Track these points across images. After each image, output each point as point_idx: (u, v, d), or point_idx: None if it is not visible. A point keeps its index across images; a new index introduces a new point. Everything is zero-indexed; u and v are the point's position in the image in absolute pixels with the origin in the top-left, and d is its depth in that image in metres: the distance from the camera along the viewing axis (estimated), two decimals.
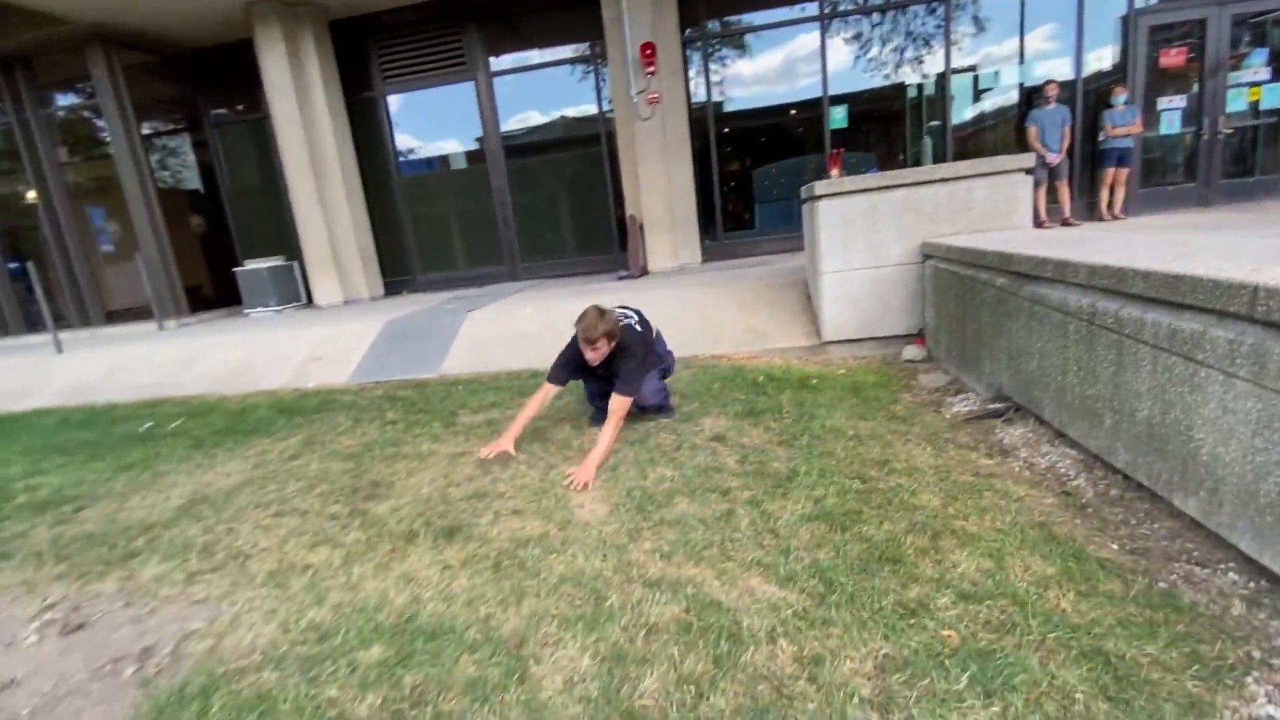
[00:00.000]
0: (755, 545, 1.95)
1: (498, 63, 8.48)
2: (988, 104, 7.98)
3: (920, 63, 7.84)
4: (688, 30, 7.79)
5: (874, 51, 7.90)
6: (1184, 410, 1.78)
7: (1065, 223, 6.99)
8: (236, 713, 1.40)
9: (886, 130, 8.45)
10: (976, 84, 7.85)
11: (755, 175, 8.40)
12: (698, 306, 5.38)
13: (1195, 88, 7.18)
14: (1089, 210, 7.51)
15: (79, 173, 9.15)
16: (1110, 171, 7.07)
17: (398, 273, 9.24)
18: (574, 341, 3.08)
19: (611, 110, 7.89)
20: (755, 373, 4.13)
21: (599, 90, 8.17)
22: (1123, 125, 6.87)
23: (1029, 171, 4.20)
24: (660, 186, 7.34)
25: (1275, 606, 1.47)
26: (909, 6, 7.63)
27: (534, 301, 6.31)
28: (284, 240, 9.05)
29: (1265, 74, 6.95)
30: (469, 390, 4.39)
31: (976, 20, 7.62)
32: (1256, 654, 1.35)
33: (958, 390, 3.52)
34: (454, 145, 9.23)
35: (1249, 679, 1.28)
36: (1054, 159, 6.86)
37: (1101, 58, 7.48)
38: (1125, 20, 7.18)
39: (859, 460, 2.56)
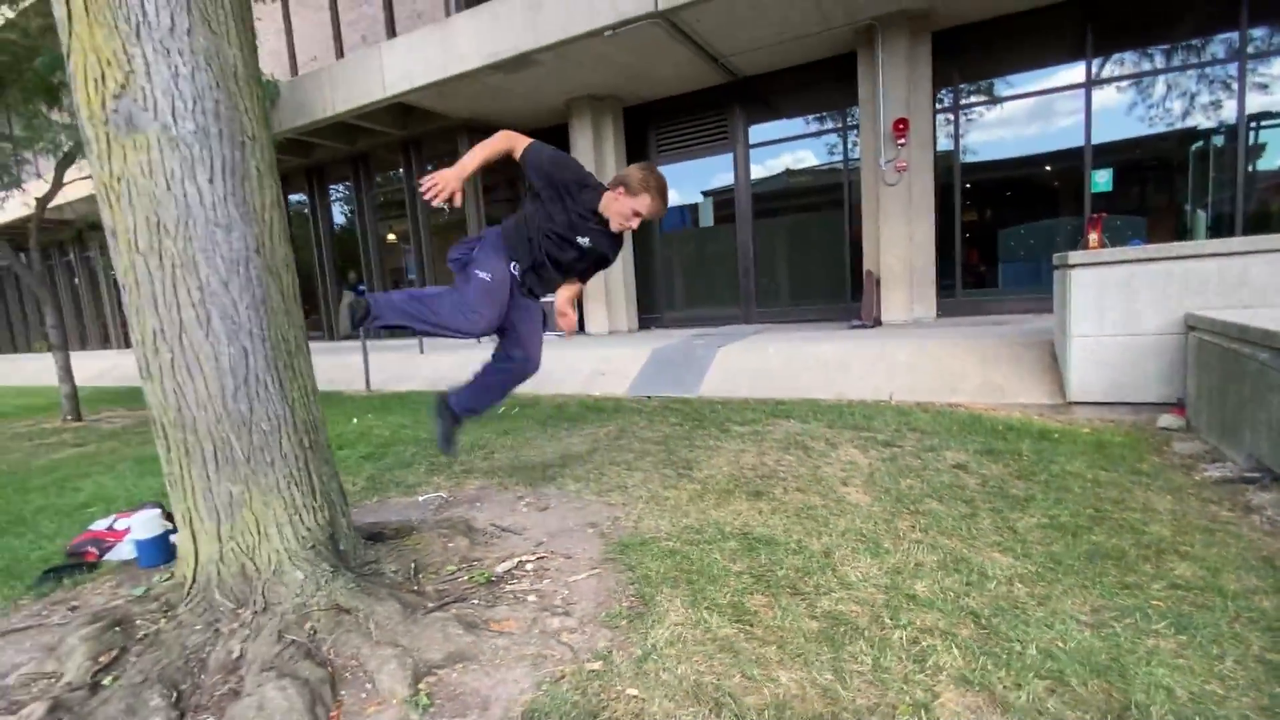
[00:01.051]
0: (996, 535, 2.60)
1: (756, 135, 9.79)
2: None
3: (1206, 112, 7.38)
4: (941, 98, 8.32)
5: (1146, 106, 7.63)
6: None
7: None
8: (664, 553, 2.49)
9: (1160, 190, 7.98)
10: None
11: (1000, 235, 8.49)
12: (934, 356, 5.86)
13: None
14: None
15: (437, 220, 12.47)
16: None
17: (649, 310, 10.91)
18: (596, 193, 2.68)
19: (856, 172, 8.66)
20: (994, 421, 4.56)
21: (845, 153, 9.01)
22: None
23: None
24: (900, 244, 7.89)
25: None
26: (1189, 69, 7.30)
27: (774, 342, 7.27)
28: None
29: None
30: (729, 409, 5.44)
31: (1265, 85, 7.01)
32: None
33: (1214, 459, 3.64)
34: (705, 205, 10.74)
35: None
36: None
37: None
38: None
39: (1096, 497, 3.00)
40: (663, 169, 10.58)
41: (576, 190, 2.58)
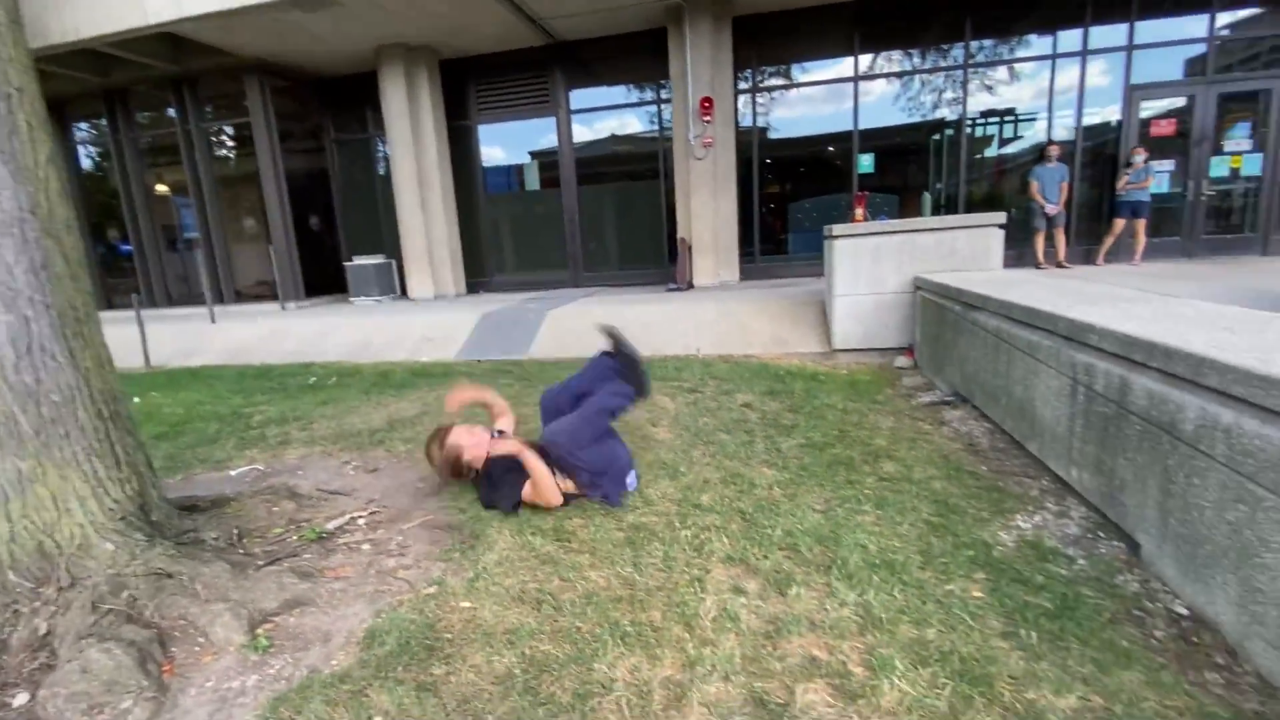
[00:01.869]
0: (766, 455, 3.24)
1: (577, 100, 9.96)
2: (1002, 152, 9.15)
3: (940, 115, 9.05)
4: (742, 79, 9.16)
5: (899, 105, 9.14)
6: (1030, 390, 3.02)
7: (1060, 265, 8.08)
8: None
9: (910, 173, 9.65)
10: (995, 135, 9.04)
11: (790, 208, 9.69)
12: (734, 315, 6.68)
13: (1183, 154, 8.22)
14: (1085, 256, 8.58)
15: (224, 170, 10.97)
16: (1122, 222, 8.05)
17: (477, 275, 10.76)
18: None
19: (671, 143, 9.28)
20: (778, 368, 5.40)
21: (661, 126, 9.57)
22: (1138, 181, 7.86)
23: (1002, 226, 5.39)
24: (708, 215, 8.68)
25: (1053, 490, 2.69)
26: (930, 72, 8.87)
27: (602, 304, 7.69)
28: (382, 241, 10.71)
29: (1246, 145, 7.96)
30: (559, 368, 5.75)
31: (989, 88, 8.82)
32: (1030, 507, 2.58)
33: (929, 388, 4.74)
34: (531, 168, 10.76)
35: (1017, 515, 2.52)
36: (1052, 210, 7.97)
37: (1100, 123, 8.57)
38: (1125, 92, 8.28)
39: (842, 422, 3.81)
40: (485, 128, 10.42)
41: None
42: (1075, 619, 1.80)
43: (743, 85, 9.22)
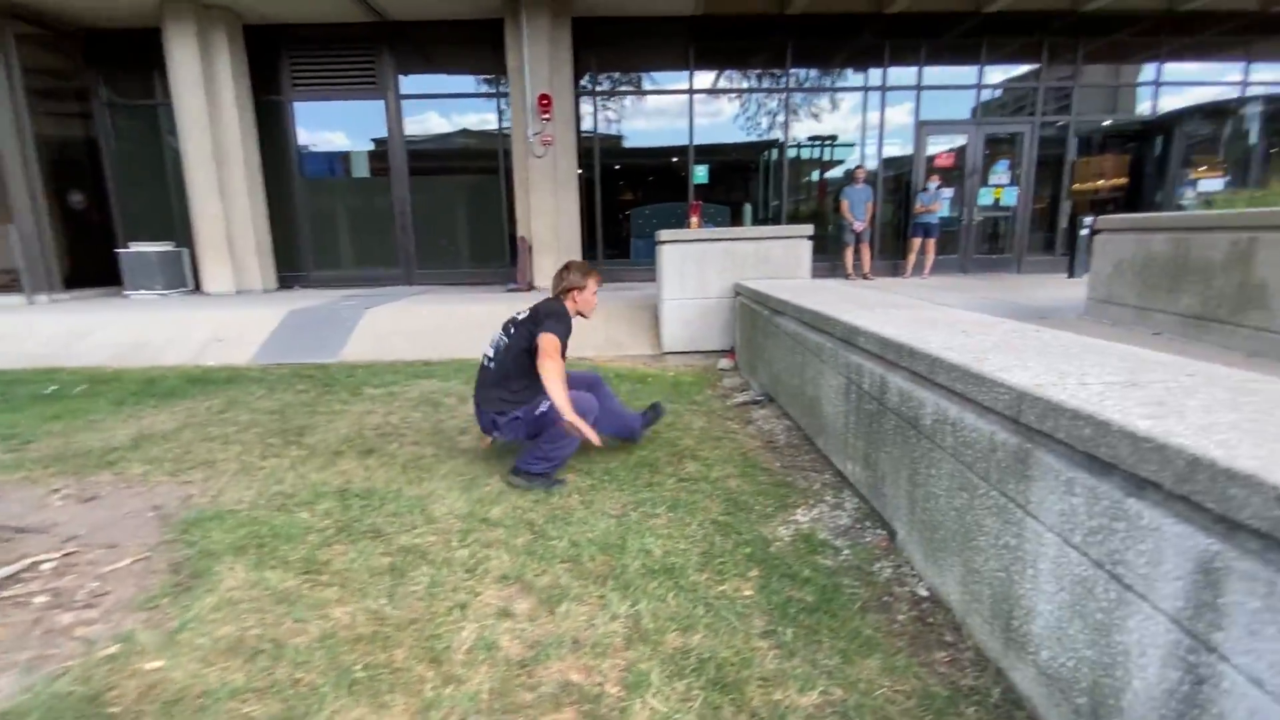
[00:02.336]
0: (574, 460, 3.12)
1: (408, 86, 9.31)
2: (820, 173, 9.98)
3: (766, 135, 9.68)
4: (584, 83, 9.13)
5: (731, 122, 9.64)
6: (818, 388, 3.19)
7: (865, 277, 8.96)
8: (240, 523, 2.34)
9: (741, 187, 10.21)
10: (815, 157, 9.83)
11: (632, 214, 9.81)
12: None
13: (961, 184, 9.53)
14: (892, 269, 9.60)
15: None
16: (918, 241, 9.10)
17: (292, 268, 9.64)
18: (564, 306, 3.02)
19: (511, 139, 8.99)
20: (609, 370, 5.35)
21: (501, 121, 9.23)
22: (927, 205, 8.91)
23: (810, 238, 5.80)
24: (548, 213, 8.50)
25: (834, 483, 2.84)
26: (757, 93, 9.46)
27: (431, 304, 7.20)
28: (171, 226, 9.21)
29: (1006, 179, 9.39)
30: (370, 372, 5.25)
31: (807, 114, 9.60)
32: (811, 501, 2.69)
33: (745, 388, 4.94)
34: (359, 154, 9.88)
35: (799, 509, 2.62)
36: (860, 226, 8.81)
37: (900, 154, 9.68)
38: (916, 127, 9.40)
39: (661, 425, 3.81)
40: (302, 106, 9.37)
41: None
42: (831, 610, 1.85)
43: (584, 87, 9.18)
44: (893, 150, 9.63)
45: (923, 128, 9.34)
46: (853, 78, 9.52)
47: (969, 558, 1.78)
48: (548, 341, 2.74)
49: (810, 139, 9.78)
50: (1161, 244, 4.47)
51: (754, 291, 4.80)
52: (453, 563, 2.06)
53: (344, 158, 9.97)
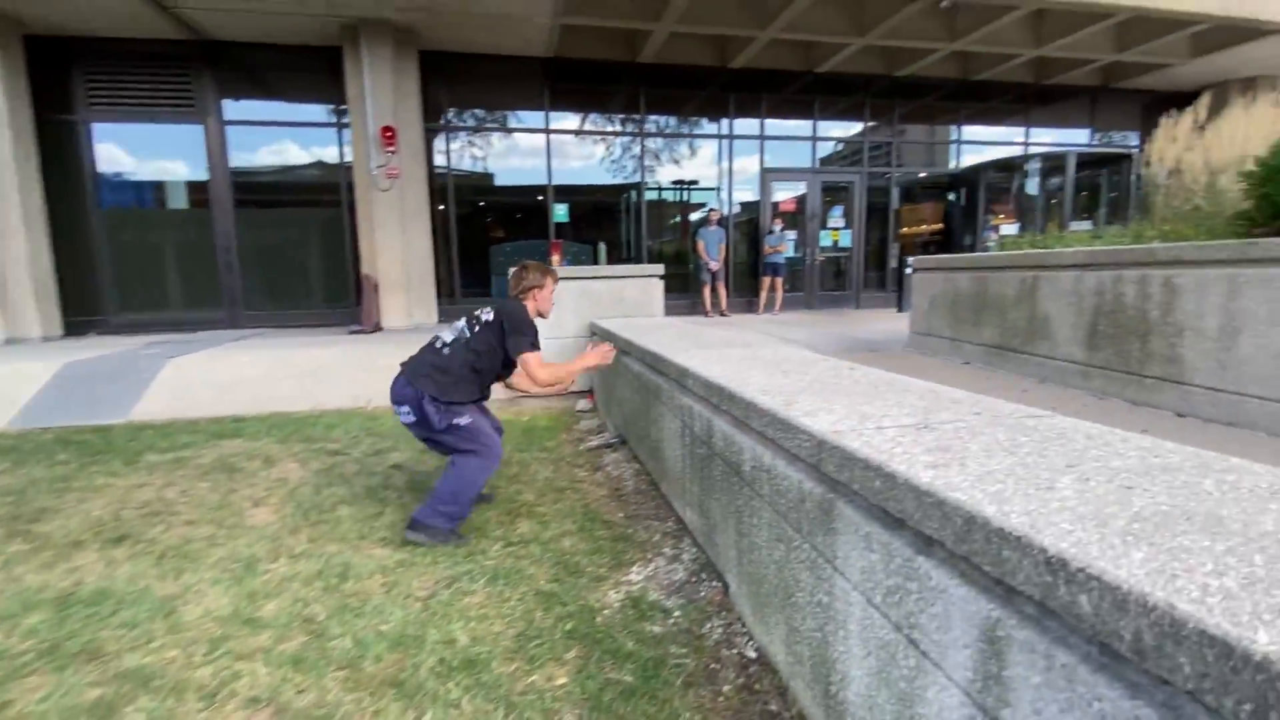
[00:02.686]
0: (389, 529, 2.72)
1: (234, 110, 8.44)
2: (679, 215, 10.29)
3: (625, 177, 9.86)
4: (436, 116, 8.78)
5: (589, 162, 9.72)
6: (660, 431, 3.06)
7: (722, 314, 9.27)
8: None
9: (603, 226, 10.27)
10: (673, 199, 10.12)
11: (492, 250, 9.49)
12: None
13: (804, 227, 10.24)
14: (748, 306, 10.00)
15: None
16: (768, 279, 9.58)
17: (86, 312, 8.23)
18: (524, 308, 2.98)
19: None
20: None
21: (343, 153, 8.60)
22: (775, 246, 9.43)
23: (662, 277, 5.84)
24: (396, 250, 7.97)
25: (674, 532, 2.69)
26: (615, 136, 9.64)
27: (256, 349, 6.38)
28: None
29: (842, 223, 10.23)
30: (161, 433, 4.45)
31: (665, 157, 9.93)
32: (649, 554, 2.52)
33: (601, 430, 4.76)
34: (175, 184, 8.76)
35: (635, 566, 2.43)
36: (714, 266, 9.13)
37: (750, 198, 10.24)
38: (761, 174, 10.02)
39: (498, 475, 3.50)
40: (101, 127, 8.16)
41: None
42: (651, 691, 1.65)
43: (437, 121, 8.83)
44: (743, 195, 10.18)
45: (767, 175, 9.96)
46: (705, 126, 9.99)
47: (790, 615, 1.66)
48: (532, 360, 2.81)
49: (671, 182, 10.09)
50: (966, 282, 4.95)
51: (605, 331, 4.68)
52: (187, 687, 1.62)
53: (157, 187, 8.79)
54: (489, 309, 2.94)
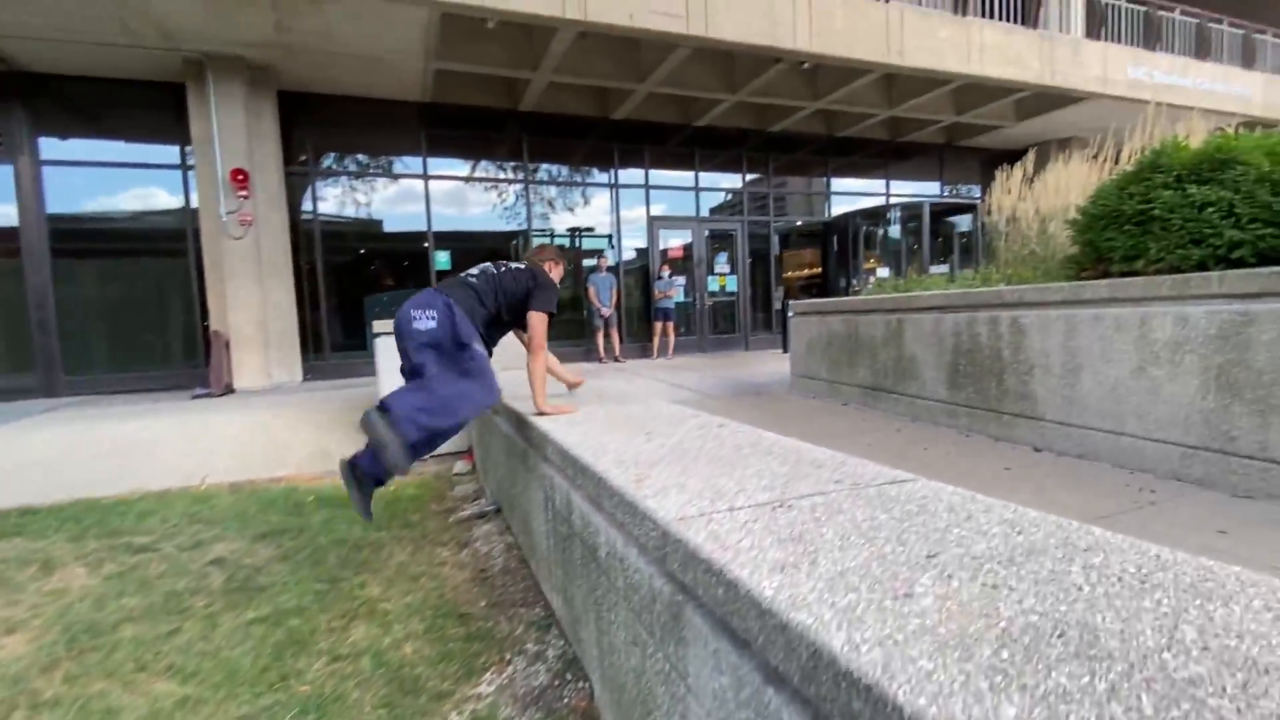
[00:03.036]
0: (182, 653, 2.20)
1: (53, 151, 7.42)
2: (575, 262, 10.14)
3: (511, 223, 9.64)
4: (299, 160, 8.18)
5: (473, 208, 9.43)
6: (528, 501, 2.74)
7: (616, 359, 9.12)
8: None
9: None
10: (565, 245, 9.96)
11: (367, 301, 8.85)
12: (268, 427, 5.38)
13: (691, 273, 10.43)
14: (643, 351, 9.93)
15: None
16: (659, 325, 9.60)
17: None
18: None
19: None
20: (307, 492, 4.36)
21: (188, 197, 7.76)
22: (664, 291, 9.51)
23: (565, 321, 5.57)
24: (252, 304, 7.20)
25: (541, 620, 2.36)
26: (498, 182, 9.46)
27: (61, 424, 5.42)
28: None
29: (727, 268, 10.52)
30: None
31: (556, 205, 9.84)
32: (509, 654, 2.17)
33: (479, 496, 4.34)
34: None
35: (489, 672, 2.07)
36: (606, 312, 9.02)
37: (639, 244, 10.32)
38: (648, 222, 10.15)
39: (344, 564, 3.01)
40: None
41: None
42: None
43: (300, 165, 8.22)
44: (632, 241, 10.24)
45: (654, 223, 10.11)
46: (592, 174, 10.03)
47: None
48: (540, 325, 2.71)
49: (564, 230, 9.96)
50: (838, 325, 5.08)
51: None
52: None
53: None
54: (509, 262, 2.90)
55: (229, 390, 7.11)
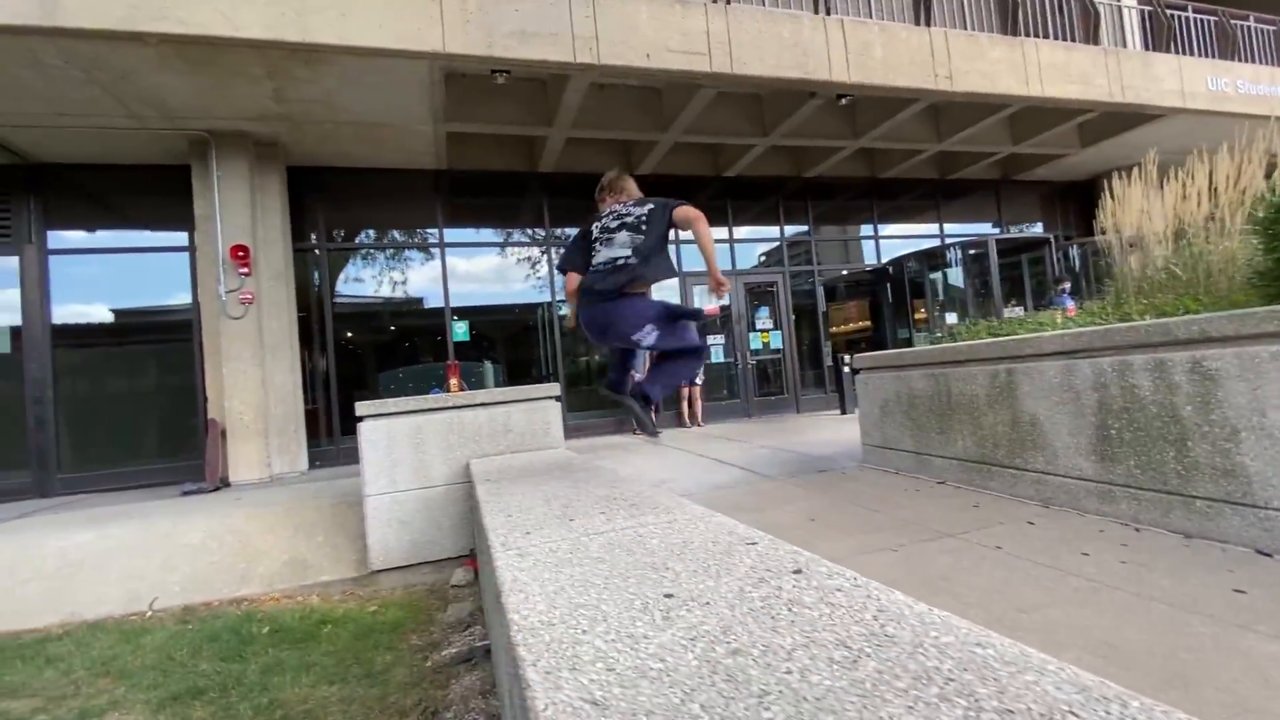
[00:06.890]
0: None
1: (59, 240, 7.22)
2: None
3: (536, 291, 9.03)
4: (308, 236, 7.82)
5: (494, 278, 8.88)
6: (500, 671, 1.79)
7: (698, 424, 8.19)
8: None
9: (515, 344, 9.26)
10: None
11: (383, 377, 8.24)
12: (239, 532, 4.57)
13: (731, 331, 9.55)
14: (678, 419, 8.97)
15: None
16: (685, 389, 8.68)
17: None
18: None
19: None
20: (265, 621, 3.50)
21: (194, 282, 7.39)
22: None
23: (558, 398, 4.74)
24: (251, 388, 6.61)
25: None
26: (519, 248, 8.93)
27: (22, 532, 4.75)
28: None
29: (769, 324, 9.60)
30: None
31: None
32: None
33: (470, 624, 3.39)
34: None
35: None
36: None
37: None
38: (681, 280, 9.40)
39: None
40: None
41: None
42: None
43: (307, 241, 7.85)
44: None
45: (687, 278, 9.35)
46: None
47: None
48: (691, 209, 2.75)
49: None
50: (921, 380, 4.06)
51: (471, 481, 3.46)
52: None
53: None
54: (625, 212, 2.87)
55: (223, 484, 6.44)
